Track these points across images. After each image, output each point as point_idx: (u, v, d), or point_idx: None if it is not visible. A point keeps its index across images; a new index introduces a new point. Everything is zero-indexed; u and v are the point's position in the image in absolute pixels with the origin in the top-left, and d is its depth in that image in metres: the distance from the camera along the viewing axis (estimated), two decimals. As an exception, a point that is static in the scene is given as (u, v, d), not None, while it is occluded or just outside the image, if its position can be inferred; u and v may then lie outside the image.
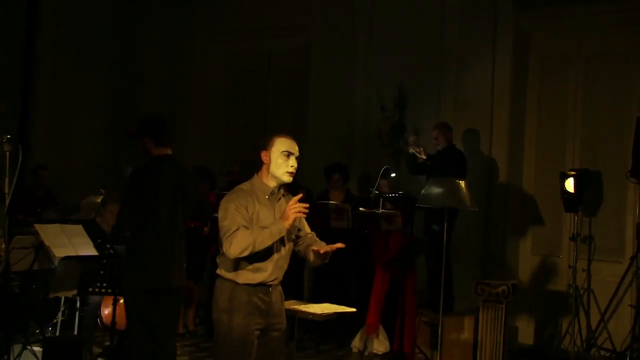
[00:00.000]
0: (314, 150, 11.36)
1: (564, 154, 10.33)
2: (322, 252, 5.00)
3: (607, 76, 10.08)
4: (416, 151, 9.77)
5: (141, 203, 6.27)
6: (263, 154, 5.02)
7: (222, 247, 4.86)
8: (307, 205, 4.89)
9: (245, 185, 5.05)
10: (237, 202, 4.88)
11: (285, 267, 5.12)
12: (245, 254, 4.76)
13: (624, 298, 9.42)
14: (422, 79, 10.99)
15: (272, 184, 5.04)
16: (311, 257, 5.13)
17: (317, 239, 5.26)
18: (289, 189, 5.26)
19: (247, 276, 4.94)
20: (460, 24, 10.72)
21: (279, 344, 5.17)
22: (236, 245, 4.74)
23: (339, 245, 5.02)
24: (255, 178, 5.11)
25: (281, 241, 4.97)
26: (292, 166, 5.01)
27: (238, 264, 4.92)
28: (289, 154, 5.02)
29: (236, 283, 4.93)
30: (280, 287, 5.18)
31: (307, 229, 5.30)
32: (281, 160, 5.00)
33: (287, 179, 5.04)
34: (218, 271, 5.04)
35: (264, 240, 4.78)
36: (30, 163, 6.64)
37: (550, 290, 10.19)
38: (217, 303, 4.98)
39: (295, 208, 4.81)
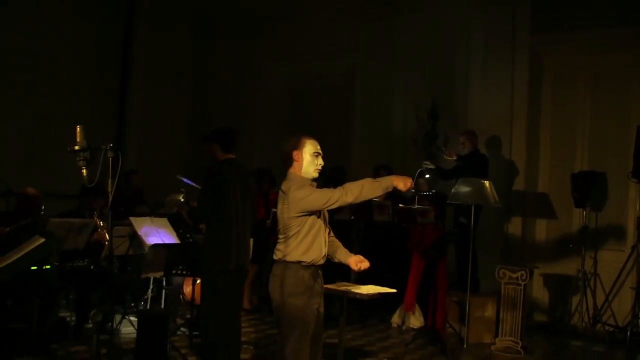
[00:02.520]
0: (359, 154, 11.46)
1: (573, 157, 10.27)
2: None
3: (610, 90, 9.99)
4: (446, 154, 9.82)
5: (214, 198, 6.39)
6: (295, 153, 5.04)
7: (333, 201, 4.82)
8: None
9: (292, 182, 5.02)
10: (311, 188, 4.96)
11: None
12: (357, 199, 4.83)
13: (625, 281, 9.36)
14: (451, 93, 11.00)
15: (306, 177, 5.08)
16: (336, 260, 5.31)
17: (340, 244, 5.37)
18: (333, 185, 5.29)
19: (310, 255, 4.97)
20: (484, 46, 10.68)
21: (321, 321, 5.19)
22: (351, 193, 4.78)
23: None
24: (291, 173, 5.09)
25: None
26: (320, 164, 5.09)
27: (303, 244, 4.94)
28: (317, 154, 5.08)
29: (300, 265, 4.94)
30: None
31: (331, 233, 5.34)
32: (311, 159, 5.05)
33: (316, 175, 5.10)
34: (284, 256, 4.99)
35: (374, 191, 4.86)
36: (124, 167, 6.87)
37: (562, 274, 10.11)
38: (283, 288, 4.94)
39: (407, 182, 4.86)
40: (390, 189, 4.92)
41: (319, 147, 5.12)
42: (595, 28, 9.82)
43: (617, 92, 9.95)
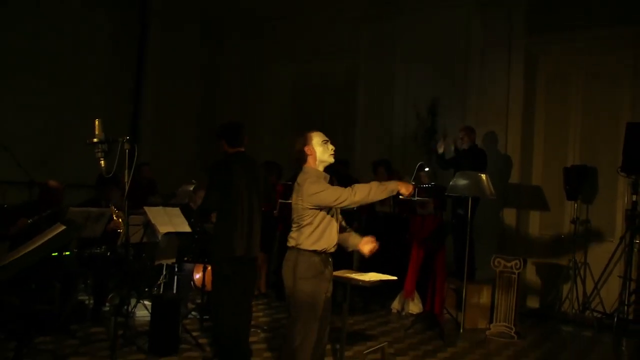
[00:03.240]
0: (362, 149, 11.47)
1: (566, 152, 10.31)
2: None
3: (601, 89, 10.02)
4: (452, 143, 9.82)
5: (222, 189, 6.37)
6: (307, 149, 5.14)
7: (341, 201, 4.86)
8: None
9: (309, 175, 5.06)
10: (325, 183, 5.02)
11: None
12: (364, 200, 4.90)
13: (613, 270, 9.38)
14: (450, 91, 11.01)
15: (321, 168, 5.15)
16: (349, 248, 5.40)
17: (352, 232, 5.43)
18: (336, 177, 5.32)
19: (321, 244, 5.01)
20: (482, 47, 10.70)
21: (329, 305, 5.22)
22: (359, 194, 4.84)
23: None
24: (307, 167, 5.15)
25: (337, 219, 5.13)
26: (332, 149, 5.18)
27: (315, 234, 4.99)
28: (326, 141, 5.18)
29: (312, 252, 4.98)
30: None
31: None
32: (322, 149, 5.14)
33: (332, 159, 5.20)
34: (297, 243, 5.02)
35: (380, 194, 4.90)
36: (138, 160, 6.92)
37: (553, 264, 10.15)
38: (295, 272, 4.99)
39: (409, 188, 4.94)
40: (394, 193, 4.99)
41: (324, 135, 5.22)
42: (588, 30, 9.83)
43: (607, 91, 9.97)
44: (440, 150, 9.85)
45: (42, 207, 7.29)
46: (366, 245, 5.28)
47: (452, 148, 9.86)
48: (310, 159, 5.14)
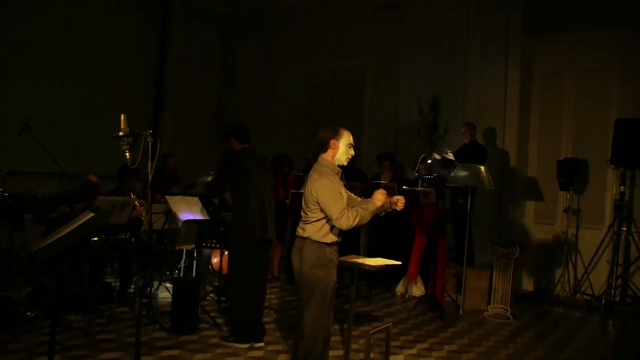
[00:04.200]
0: (369, 143, 11.47)
1: (559, 146, 10.31)
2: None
3: (592, 87, 10.02)
4: (445, 153, 9.79)
5: (237, 179, 6.48)
6: (332, 142, 4.98)
7: (333, 219, 4.78)
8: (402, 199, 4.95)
9: (324, 167, 4.98)
10: (335, 187, 4.88)
11: None
12: (352, 225, 4.78)
13: (602, 256, 9.45)
14: (451, 88, 11.00)
15: (336, 164, 5.05)
16: (381, 213, 5.14)
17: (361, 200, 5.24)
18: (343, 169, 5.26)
19: (330, 237, 4.96)
20: (481, 47, 10.68)
21: (335, 289, 5.17)
22: (348, 220, 4.73)
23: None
24: (324, 159, 5.03)
25: None
26: (351, 154, 5.08)
27: (323, 229, 4.93)
28: (351, 145, 5.07)
29: (322, 243, 4.93)
30: None
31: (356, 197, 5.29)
32: (345, 150, 5.03)
33: (346, 163, 5.08)
34: (306, 235, 4.95)
35: (365, 217, 4.83)
36: (160, 151, 6.89)
37: (547, 250, 10.17)
38: (306, 260, 4.92)
39: (380, 197, 4.87)
40: (377, 211, 4.92)
41: (352, 139, 5.09)
42: (580, 32, 9.84)
43: (598, 89, 9.97)
44: (438, 157, 9.81)
45: (80, 198, 7.38)
46: (398, 203, 5.06)
47: (446, 156, 9.80)
48: (330, 152, 5.02)
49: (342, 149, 5.02)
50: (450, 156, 9.61)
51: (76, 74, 10.74)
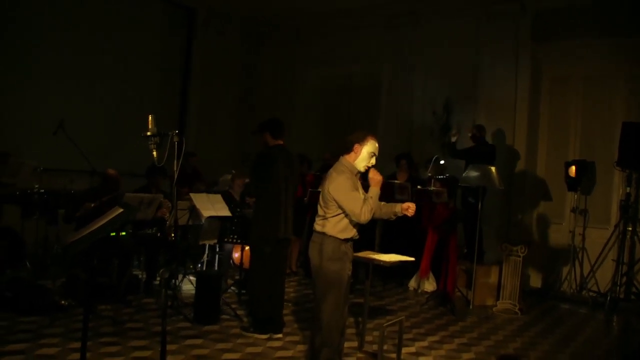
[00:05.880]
0: (384, 143, 11.38)
1: (567, 148, 10.28)
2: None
3: (599, 91, 10.00)
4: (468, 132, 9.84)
5: (264, 178, 6.48)
6: (356, 146, 5.01)
7: (355, 215, 4.83)
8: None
9: (344, 167, 5.01)
10: (350, 184, 4.91)
11: None
12: (369, 217, 4.85)
13: (608, 255, 9.40)
14: (463, 91, 11.00)
15: (355, 167, 5.06)
16: (392, 217, 5.28)
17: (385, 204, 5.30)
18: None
19: (346, 233, 4.99)
20: (491, 52, 10.64)
21: (349, 284, 5.20)
22: (366, 214, 4.80)
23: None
24: (345, 159, 5.05)
25: None
26: (372, 164, 5.07)
27: (340, 225, 4.96)
28: (373, 155, 5.08)
29: (337, 239, 4.96)
30: None
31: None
32: (367, 157, 5.04)
33: (363, 170, 5.08)
34: (323, 230, 4.97)
35: (374, 204, 4.90)
36: (185, 150, 6.88)
37: (554, 248, 10.16)
38: (322, 254, 4.95)
39: (375, 178, 4.97)
40: (379, 187, 5.00)
41: (377, 148, 5.10)
42: (587, 39, 9.81)
43: (605, 93, 9.94)
44: (454, 139, 9.87)
45: (102, 192, 7.48)
46: (409, 209, 5.19)
47: (464, 141, 9.86)
48: (352, 155, 5.03)
49: (363, 155, 5.03)
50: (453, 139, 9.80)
51: (107, 77, 10.88)
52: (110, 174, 7.77)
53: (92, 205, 7.23)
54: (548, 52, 10.40)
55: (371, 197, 4.93)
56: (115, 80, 11.05)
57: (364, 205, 4.84)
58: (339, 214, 4.96)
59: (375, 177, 4.99)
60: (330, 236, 4.97)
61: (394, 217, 5.26)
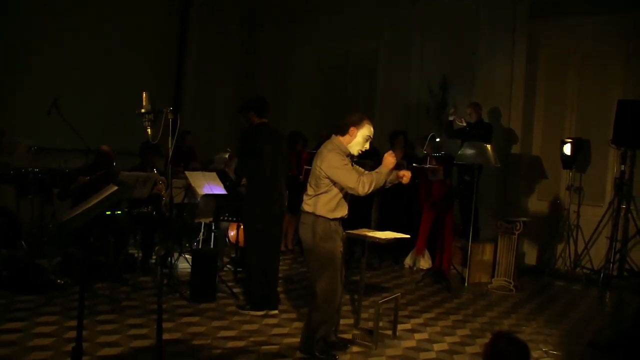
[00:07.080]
0: (380, 121, 11.44)
1: (563, 126, 10.25)
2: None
3: (595, 69, 9.93)
4: (457, 120, 9.83)
5: (251, 156, 6.47)
6: (352, 129, 4.98)
7: (350, 189, 4.82)
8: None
9: (334, 145, 4.98)
10: (345, 160, 4.91)
11: None
12: (368, 191, 4.82)
13: (602, 232, 9.46)
14: (460, 69, 10.96)
15: (348, 150, 5.04)
16: (387, 185, 5.20)
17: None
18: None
19: (336, 213, 5.01)
20: (489, 30, 10.61)
21: (343, 261, 5.24)
22: (364, 187, 4.76)
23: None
24: (337, 139, 5.03)
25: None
26: (365, 148, 5.07)
27: (330, 204, 4.96)
28: (368, 139, 5.05)
29: (327, 219, 4.98)
30: None
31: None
32: (362, 141, 5.02)
33: (356, 154, 5.08)
34: (313, 210, 4.98)
35: (380, 180, 4.86)
36: (180, 129, 6.81)
37: (549, 226, 10.15)
38: (315, 234, 4.97)
39: (389, 159, 4.91)
40: (390, 174, 4.98)
41: (372, 132, 5.06)
42: (584, 16, 9.76)
43: (601, 71, 9.89)
44: (451, 118, 9.86)
45: (96, 168, 7.47)
46: (404, 177, 5.19)
47: (458, 122, 9.85)
48: (346, 137, 5.01)
49: (358, 139, 5.02)
50: (463, 123, 9.76)
51: (103, 57, 10.79)
52: (104, 150, 7.73)
53: (87, 178, 7.21)
54: (545, 30, 10.33)
55: (378, 172, 4.90)
56: (112, 58, 10.95)
57: (362, 177, 4.82)
58: (329, 192, 4.95)
59: (389, 158, 4.94)
60: (320, 216, 4.97)
61: (389, 185, 5.24)
